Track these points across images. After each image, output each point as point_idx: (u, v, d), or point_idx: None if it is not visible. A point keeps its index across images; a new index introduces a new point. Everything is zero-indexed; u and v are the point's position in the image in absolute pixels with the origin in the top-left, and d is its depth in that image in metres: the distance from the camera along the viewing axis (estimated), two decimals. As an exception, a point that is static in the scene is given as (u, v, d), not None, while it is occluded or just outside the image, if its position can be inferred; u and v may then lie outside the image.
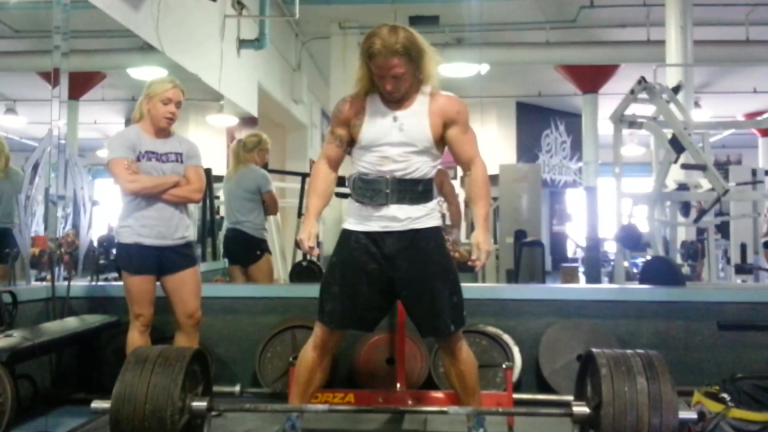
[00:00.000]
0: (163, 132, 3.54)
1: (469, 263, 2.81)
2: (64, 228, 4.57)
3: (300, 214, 7.59)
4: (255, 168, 5.07)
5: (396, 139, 2.76)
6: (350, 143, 2.89)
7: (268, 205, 5.10)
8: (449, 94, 2.86)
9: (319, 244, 3.25)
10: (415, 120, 2.77)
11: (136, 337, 3.44)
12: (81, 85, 8.74)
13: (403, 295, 2.87)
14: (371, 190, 2.80)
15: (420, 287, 2.81)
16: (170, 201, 3.50)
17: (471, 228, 11.09)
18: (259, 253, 5.07)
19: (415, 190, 2.79)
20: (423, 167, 2.80)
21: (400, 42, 2.61)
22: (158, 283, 3.54)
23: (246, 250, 5.07)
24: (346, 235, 2.91)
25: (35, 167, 4.38)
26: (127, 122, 3.68)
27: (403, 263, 2.81)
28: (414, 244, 2.80)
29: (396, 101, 2.78)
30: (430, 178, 2.85)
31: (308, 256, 7.32)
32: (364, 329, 3.02)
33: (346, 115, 2.84)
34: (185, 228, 3.59)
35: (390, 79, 2.67)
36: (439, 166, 2.98)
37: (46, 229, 4.52)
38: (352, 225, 2.88)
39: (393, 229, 2.80)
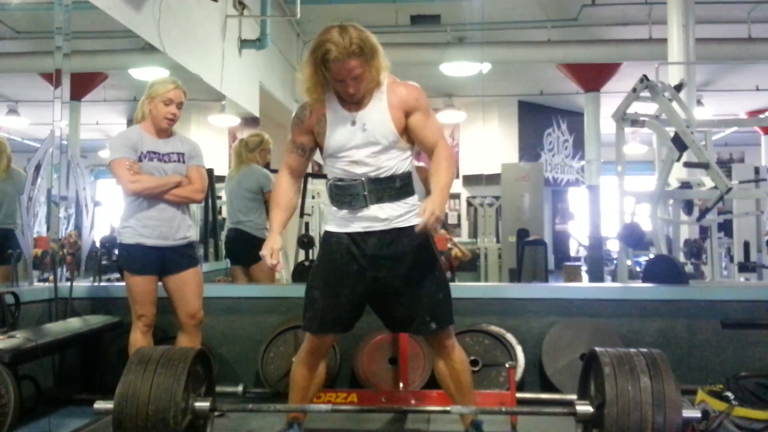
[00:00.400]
0: (164, 132, 3.54)
1: (417, 227, 2.64)
2: (66, 229, 4.58)
3: (302, 214, 7.60)
4: (257, 168, 5.07)
5: (361, 141, 2.72)
6: (313, 149, 2.88)
7: (270, 205, 5.09)
8: (406, 83, 2.81)
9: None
10: (377, 117, 2.72)
11: (138, 338, 3.44)
12: (83, 85, 8.75)
13: (387, 293, 2.82)
14: (348, 195, 2.77)
15: (403, 286, 2.78)
16: (172, 201, 3.50)
17: (473, 227, 11.04)
18: (260, 253, 5.05)
19: (392, 187, 2.75)
20: (394, 163, 2.76)
21: (355, 43, 2.55)
22: (160, 284, 3.55)
23: (247, 251, 5.06)
24: (327, 237, 2.88)
25: (37, 168, 4.39)
26: (129, 123, 3.70)
27: (386, 262, 2.77)
28: (396, 242, 2.77)
29: (355, 102, 2.73)
30: (406, 172, 2.81)
31: (310, 256, 7.34)
32: (343, 331, 2.93)
33: (308, 124, 2.80)
34: (187, 228, 3.59)
35: (350, 82, 2.61)
36: (422, 163, 2.96)
37: (48, 229, 4.53)
38: (333, 227, 2.85)
39: (375, 229, 2.76)
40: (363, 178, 2.74)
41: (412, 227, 2.76)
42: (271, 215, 2.94)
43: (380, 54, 2.66)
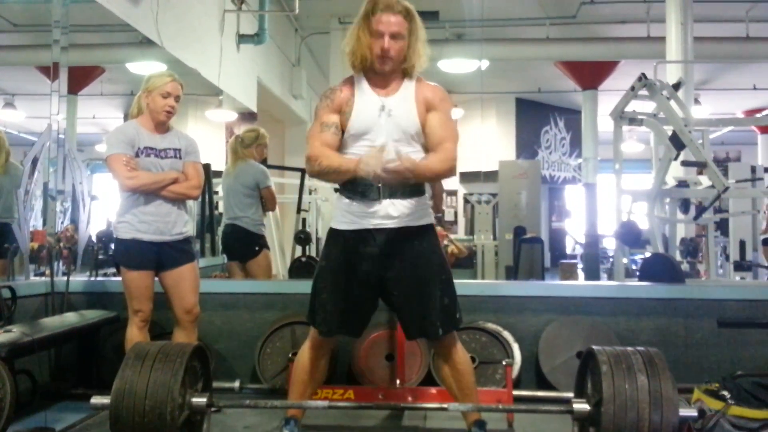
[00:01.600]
0: (162, 127, 3.53)
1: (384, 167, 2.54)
2: (62, 223, 4.56)
3: (299, 210, 7.59)
4: (253, 163, 5.05)
5: (384, 126, 2.70)
6: (339, 131, 2.78)
7: (267, 200, 5.08)
8: (435, 84, 2.85)
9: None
10: (403, 105, 2.73)
11: (135, 333, 3.44)
12: (80, 79, 8.71)
13: (394, 294, 2.79)
14: (362, 185, 2.70)
15: (411, 287, 2.75)
16: (169, 197, 3.49)
17: (470, 224, 11.02)
18: (257, 248, 5.05)
19: (407, 183, 2.70)
20: (413, 158, 2.69)
21: (402, 5, 2.67)
22: (157, 279, 3.54)
23: (244, 246, 5.06)
24: (334, 236, 2.82)
25: (34, 162, 4.37)
26: (126, 117, 3.66)
27: (395, 262, 2.74)
28: (407, 242, 2.74)
29: (383, 84, 2.73)
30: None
31: (307, 252, 7.34)
32: (353, 335, 2.91)
33: (338, 103, 2.76)
34: (184, 223, 3.58)
35: (388, 37, 2.65)
36: None
37: (44, 223, 4.52)
38: (341, 224, 2.79)
39: (385, 226, 2.72)
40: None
41: (423, 227, 2.77)
42: (331, 162, 2.67)
43: (422, 39, 2.75)
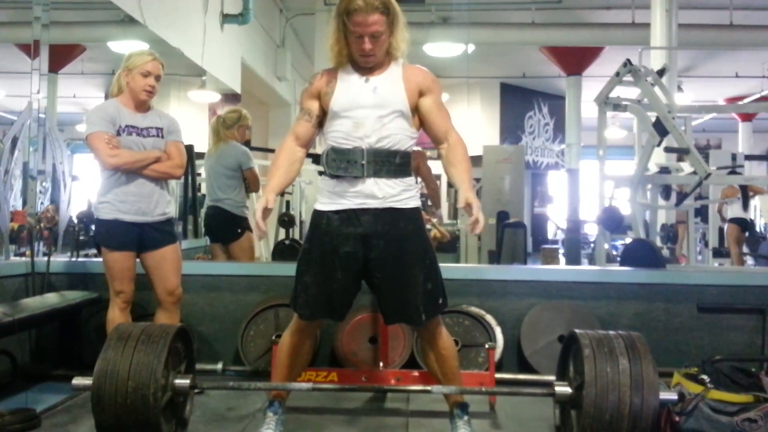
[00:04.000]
0: (142, 106, 3.48)
1: (468, 228, 2.63)
2: (43, 203, 4.51)
3: (283, 192, 7.55)
4: (235, 145, 5.01)
5: (370, 101, 2.67)
6: (319, 117, 2.78)
7: (250, 182, 5.05)
8: (423, 67, 2.81)
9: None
10: (390, 83, 2.70)
11: (116, 314, 3.41)
12: (60, 57, 8.58)
13: (376, 277, 2.75)
14: (345, 161, 2.67)
15: (394, 270, 2.71)
16: (151, 177, 3.45)
17: (453, 209, 11.05)
18: (239, 231, 5.02)
19: (392, 162, 2.67)
20: (399, 137, 2.69)
21: (382, 2, 2.57)
22: (138, 260, 3.51)
23: (226, 228, 5.03)
24: (317, 218, 2.78)
25: (14, 141, 4.31)
26: (107, 96, 3.60)
27: (380, 243, 2.70)
28: (392, 224, 2.70)
29: (369, 68, 2.71)
30: (408, 152, 2.73)
31: (291, 235, 7.32)
32: (336, 318, 2.87)
33: (317, 86, 2.76)
34: (166, 204, 3.55)
35: (368, 38, 2.58)
36: (415, 147, 2.89)
37: (24, 204, 4.46)
38: (324, 205, 2.75)
39: (369, 206, 2.68)
40: (364, 146, 2.66)
41: (408, 209, 2.73)
42: (269, 175, 2.79)
43: (402, 23, 2.67)
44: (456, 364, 2.88)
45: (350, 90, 2.70)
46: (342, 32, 2.65)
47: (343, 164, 2.68)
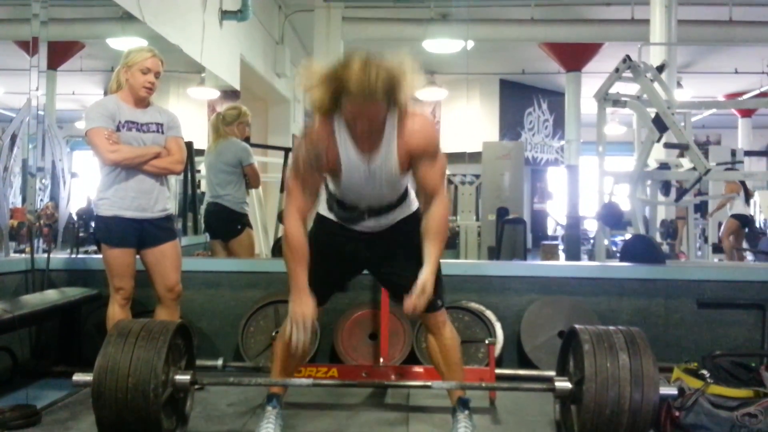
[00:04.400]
0: (142, 102, 3.47)
1: (406, 306, 2.59)
2: (42, 200, 4.51)
3: (282, 189, 7.55)
4: (235, 141, 5.00)
5: (369, 184, 2.65)
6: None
7: (250, 178, 5.05)
8: (421, 120, 2.63)
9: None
10: (386, 165, 2.60)
11: (116, 311, 3.40)
12: (59, 54, 8.58)
13: (386, 272, 2.86)
14: (348, 217, 2.77)
15: (399, 265, 2.79)
16: (151, 172, 3.44)
17: (453, 205, 10.96)
18: (239, 227, 5.02)
19: (391, 206, 2.76)
20: (398, 192, 2.75)
21: (380, 85, 2.32)
22: (138, 257, 3.51)
23: (226, 225, 5.02)
24: (320, 219, 2.86)
25: (13, 138, 4.30)
26: (106, 93, 3.59)
27: (383, 242, 2.79)
28: (393, 227, 2.80)
29: (366, 146, 2.57)
30: (405, 190, 2.79)
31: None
32: (320, 305, 2.85)
33: (323, 167, 2.60)
34: (165, 200, 3.54)
35: (365, 122, 2.45)
36: None
37: (24, 201, 4.46)
38: (327, 213, 2.84)
39: (371, 231, 2.80)
40: (365, 207, 2.74)
41: (407, 214, 2.81)
42: (292, 270, 2.64)
43: (406, 87, 2.44)
44: (459, 356, 2.90)
45: (354, 177, 2.64)
46: (330, 94, 2.42)
47: (345, 215, 2.77)
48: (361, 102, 2.36)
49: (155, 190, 3.47)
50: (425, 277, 2.61)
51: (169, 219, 3.57)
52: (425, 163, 2.64)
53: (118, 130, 3.36)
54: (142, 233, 3.44)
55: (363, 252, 2.82)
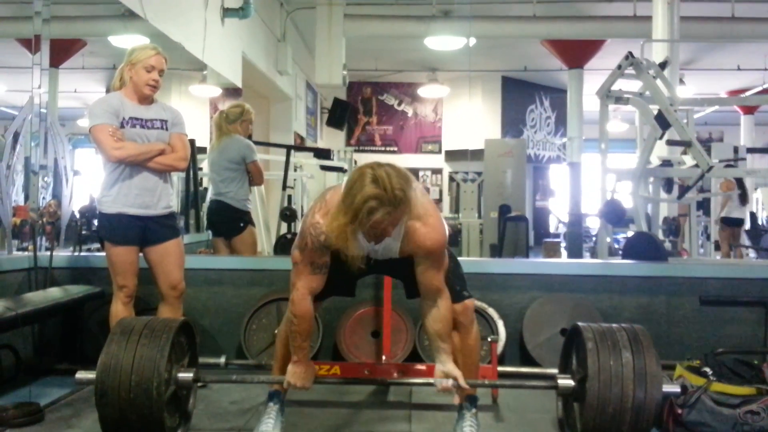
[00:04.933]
0: (146, 100, 3.47)
1: (444, 388, 2.66)
2: (45, 198, 4.51)
3: (285, 187, 7.55)
4: (239, 138, 5.00)
5: (372, 254, 2.67)
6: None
7: (253, 175, 5.04)
8: (426, 229, 2.59)
9: None
10: (389, 251, 2.64)
11: (120, 309, 3.41)
12: (61, 52, 8.59)
13: (401, 275, 2.88)
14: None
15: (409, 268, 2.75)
16: (156, 169, 3.43)
17: (455, 203, 10.95)
18: (242, 225, 5.02)
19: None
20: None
21: (398, 197, 2.34)
22: (141, 255, 3.51)
23: (229, 222, 5.02)
24: None
25: (15, 136, 4.30)
26: (108, 91, 3.59)
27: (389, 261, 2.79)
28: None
29: (374, 237, 2.56)
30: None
31: (293, 229, 7.32)
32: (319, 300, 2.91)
33: (329, 243, 2.56)
34: (168, 197, 3.54)
35: (381, 230, 2.44)
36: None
37: (26, 199, 4.46)
38: None
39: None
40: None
41: None
42: (297, 342, 2.69)
43: (415, 196, 2.46)
44: (478, 358, 2.95)
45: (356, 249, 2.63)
46: (353, 229, 2.43)
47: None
48: (385, 214, 2.35)
49: (159, 187, 3.47)
50: (448, 365, 2.66)
51: (172, 216, 3.57)
52: (429, 264, 2.65)
53: (122, 126, 3.36)
54: (146, 231, 3.44)
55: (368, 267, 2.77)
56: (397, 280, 3.15)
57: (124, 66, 3.44)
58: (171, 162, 3.49)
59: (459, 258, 3.09)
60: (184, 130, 3.60)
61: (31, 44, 4.50)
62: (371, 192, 2.32)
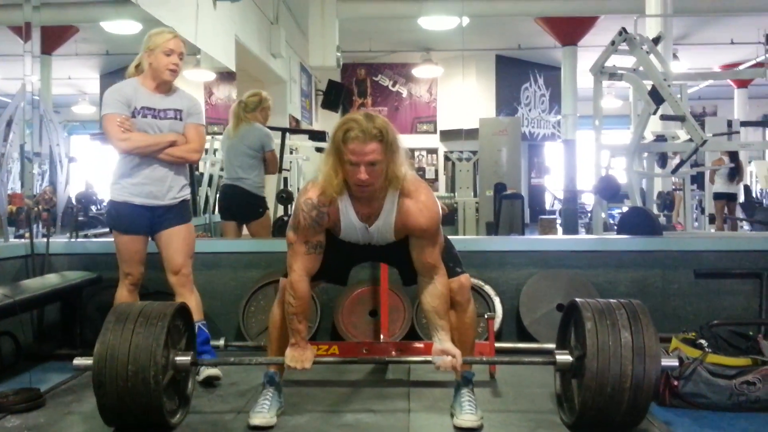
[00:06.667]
0: (164, 86, 3.40)
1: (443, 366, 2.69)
2: (41, 185, 4.51)
3: (281, 169, 7.54)
4: (259, 126, 5.00)
5: (366, 239, 2.75)
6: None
7: (269, 163, 5.06)
8: (423, 201, 2.65)
9: None
10: (383, 232, 2.69)
11: (124, 295, 3.40)
12: (54, 39, 8.54)
13: (396, 259, 2.87)
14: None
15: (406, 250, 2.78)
16: (166, 161, 3.37)
17: (451, 182, 10.97)
18: (261, 210, 5.08)
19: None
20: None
21: (377, 127, 2.47)
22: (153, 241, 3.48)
23: (248, 208, 5.04)
24: None
25: (9, 124, 4.30)
26: (102, 77, 3.57)
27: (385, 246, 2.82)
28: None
29: (367, 203, 2.64)
30: None
31: (289, 211, 7.32)
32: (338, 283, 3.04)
33: (325, 226, 2.68)
34: (179, 188, 3.46)
35: (365, 167, 2.49)
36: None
37: (22, 186, 4.47)
38: None
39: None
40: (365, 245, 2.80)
41: None
42: (295, 325, 2.73)
43: (401, 153, 2.56)
44: (474, 336, 2.96)
45: (350, 232, 2.72)
46: (338, 163, 2.55)
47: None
48: (361, 141, 2.45)
49: (169, 177, 3.40)
50: (446, 343, 2.67)
51: (183, 204, 3.50)
52: (424, 242, 2.69)
53: (133, 116, 3.30)
54: (153, 219, 3.39)
55: (368, 247, 2.83)
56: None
57: (143, 54, 3.36)
58: (182, 153, 3.41)
59: (456, 237, 3.11)
60: (202, 120, 3.53)
61: (22, 32, 4.48)
62: (352, 117, 2.51)
